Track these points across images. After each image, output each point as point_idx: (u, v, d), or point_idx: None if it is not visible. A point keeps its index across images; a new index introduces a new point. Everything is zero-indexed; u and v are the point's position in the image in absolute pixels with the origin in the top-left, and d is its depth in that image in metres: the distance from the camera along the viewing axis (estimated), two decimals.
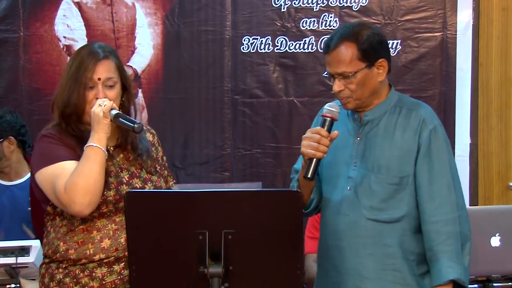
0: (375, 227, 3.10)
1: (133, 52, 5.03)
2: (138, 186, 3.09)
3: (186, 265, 2.53)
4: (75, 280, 3.01)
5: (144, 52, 5.03)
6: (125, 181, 3.08)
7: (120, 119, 2.98)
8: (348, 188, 3.12)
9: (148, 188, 3.11)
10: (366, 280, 3.11)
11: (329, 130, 3.03)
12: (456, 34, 4.94)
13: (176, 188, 2.78)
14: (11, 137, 4.40)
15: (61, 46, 5.01)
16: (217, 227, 2.49)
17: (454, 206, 3.11)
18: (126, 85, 3.15)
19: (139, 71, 5.03)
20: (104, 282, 3.01)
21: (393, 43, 4.95)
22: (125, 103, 3.14)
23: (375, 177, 3.11)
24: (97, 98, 3.03)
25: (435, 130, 3.17)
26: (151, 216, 2.55)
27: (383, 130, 3.16)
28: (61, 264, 3.04)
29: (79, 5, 5.02)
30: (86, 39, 4.98)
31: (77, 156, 2.98)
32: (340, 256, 3.12)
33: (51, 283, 3.06)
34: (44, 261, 3.13)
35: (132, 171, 3.11)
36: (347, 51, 3.07)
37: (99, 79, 3.04)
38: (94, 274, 3.01)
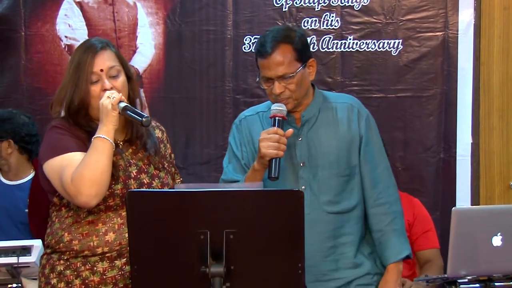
0: (336, 219, 3.25)
1: (134, 52, 5.03)
2: (146, 182, 3.10)
3: (188, 265, 2.53)
4: (76, 272, 3.02)
5: (146, 51, 5.03)
6: (133, 175, 3.08)
7: (128, 112, 2.97)
8: (303, 187, 3.20)
9: (155, 184, 3.12)
10: (327, 272, 3.26)
11: (282, 129, 3.14)
12: (457, 34, 4.93)
13: (177, 188, 2.78)
14: (10, 140, 4.41)
15: (63, 46, 5.01)
16: (218, 226, 2.49)
17: (395, 188, 3.36)
18: (130, 75, 3.14)
19: (141, 70, 5.03)
20: (105, 276, 3.01)
21: (394, 42, 4.95)
22: (130, 93, 3.14)
23: (327, 173, 3.26)
24: (105, 90, 3.02)
25: (368, 118, 3.35)
26: (153, 215, 2.55)
27: (323, 127, 3.30)
28: (62, 256, 3.04)
29: (80, 5, 5.02)
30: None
31: (85, 148, 2.97)
32: None
33: (51, 274, 3.06)
34: (45, 252, 3.13)
35: (140, 166, 3.11)
36: (285, 53, 3.19)
37: (101, 70, 3.03)
38: (95, 268, 3.01)
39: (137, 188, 3.04)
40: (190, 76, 5.04)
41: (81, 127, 3.06)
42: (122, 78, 3.08)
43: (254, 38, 4.98)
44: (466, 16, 4.93)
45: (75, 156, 2.96)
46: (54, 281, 3.04)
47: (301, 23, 4.97)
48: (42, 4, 5.04)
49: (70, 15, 5.02)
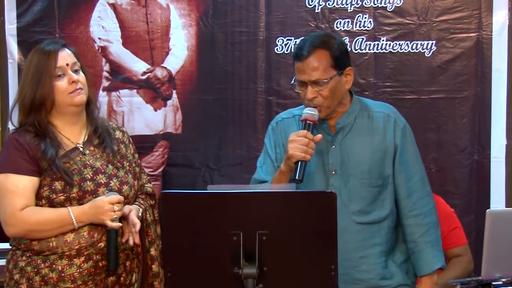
0: (365, 230, 3.24)
1: (167, 54, 5.05)
2: (103, 182, 3.17)
3: (221, 266, 2.54)
4: (36, 270, 3.11)
5: (178, 53, 5.05)
6: (89, 177, 3.14)
7: (109, 237, 3.11)
8: None
9: (113, 183, 3.19)
10: (359, 282, 3.25)
11: (311, 134, 3.14)
12: (491, 35, 4.90)
13: (210, 189, 2.79)
14: None
15: (96, 48, 5.04)
16: (251, 228, 2.50)
17: (430, 198, 3.33)
18: (85, 73, 3.23)
19: (173, 72, 5.04)
20: (63, 274, 3.10)
21: (428, 43, 4.92)
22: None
23: (358, 182, 3.24)
24: (72, 82, 3.11)
25: (405, 128, 3.33)
26: (186, 216, 2.56)
27: (358, 136, 3.28)
28: (25, 253, 3.14)
29: (114, 7, 5.05)
30: (120, 41, 5.00)
31: (35, 171, 3.08)
32: None
33: (14, 270, 3.15)
34: (12, 248, 3.22)
35: (97, 167, 3.18)
36: (321, 58, 3.19)
37: (67, 64, 3.13)
38: (54, 265, 3.10)
39: (94, 189, 3.13)
40: (222, 78, 5.04)
41: (37, 133, 3.13)
42: (83, 74, 3.18)
43: (287, 40, 4.98)
44: (500, 17, 4.90)
45: (21, 184, 3.06)
46: (16, 276, 3.14)
47: (334, 24, 4.96)
48: (76, 6, 5.07)
49: (104, 17, 5.05)
